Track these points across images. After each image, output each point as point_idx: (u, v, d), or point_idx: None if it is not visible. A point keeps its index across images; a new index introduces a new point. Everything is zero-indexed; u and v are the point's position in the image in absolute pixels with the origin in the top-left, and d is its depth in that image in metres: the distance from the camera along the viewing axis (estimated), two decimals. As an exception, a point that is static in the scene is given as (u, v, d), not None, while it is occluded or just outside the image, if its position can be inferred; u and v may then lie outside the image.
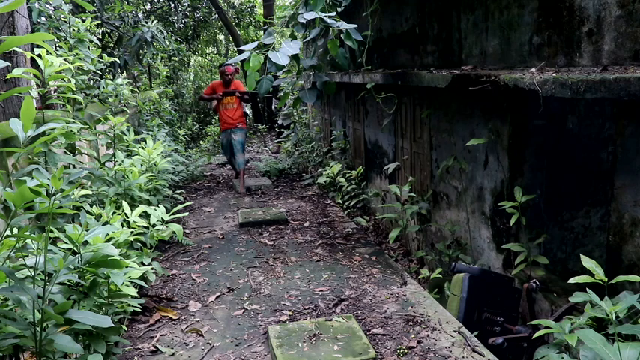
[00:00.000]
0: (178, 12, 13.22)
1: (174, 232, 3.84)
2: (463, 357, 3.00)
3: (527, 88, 2.73)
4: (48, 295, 2.15)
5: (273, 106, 13.28)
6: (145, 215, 3.89)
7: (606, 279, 2.17)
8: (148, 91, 10.69)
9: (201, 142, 13.13)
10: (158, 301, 3.93)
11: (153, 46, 8.27)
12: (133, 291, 2.89)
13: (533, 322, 2.63)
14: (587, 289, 2.21)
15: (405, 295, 3.91)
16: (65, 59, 3.77)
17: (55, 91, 4.12)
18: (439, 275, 4.12)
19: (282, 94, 9.16)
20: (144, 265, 3.53)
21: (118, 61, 7.38)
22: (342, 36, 4.68)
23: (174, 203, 6.16)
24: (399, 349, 3.11)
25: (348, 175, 6.97)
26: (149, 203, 4.52)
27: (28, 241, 2.21)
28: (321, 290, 4.09)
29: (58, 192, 2.17)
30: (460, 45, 4.03)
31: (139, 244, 3.78)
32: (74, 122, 3.62)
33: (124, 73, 9.09)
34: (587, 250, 3.48)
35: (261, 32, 15.75)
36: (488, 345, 3.13)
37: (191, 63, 17.35)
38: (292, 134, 9.98)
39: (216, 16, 14.90)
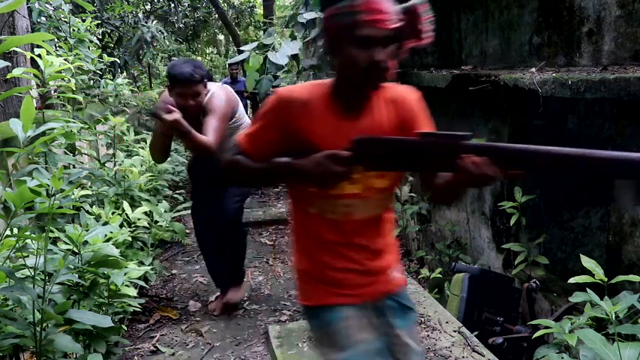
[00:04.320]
0: (178, 12, 13.21)
1: (174, 232, 3.84)
2: (463, 357, 3.00)
3: (527, 88, 2.73)
4: (48, 295, 2.15)
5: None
6: (146, 214, 3.89)
7: (606, 279, 2.17)
8: (148, 91, 10.69)
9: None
10: (158, 301, 3.93)
11: (153, 46, 8.28)
12: (133, 291, 2.88)
13: (533, 322, 2.63)
14: (587, 289, 2.20)
15: (405, 295, 3.91)
16: (65, 59, 3.76)
17: (55, 91, 4.12)
18: (439, 275, 4.12)
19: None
20: (144, 265, 3.53)
21: (118, 61, 7.39)
22: (342, 36, 4.67)
23: (174, 203, 6.16)
24: (399, 349, 3.10)
25: (348, 175, 6.95)
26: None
27: (28, 241, 2.21)
28: (321, 290, 4.09)
29: (58, 192, 2.17)
30: (460, 45, 4.03)
31: (140, 243, 3.78)
32: (74, 122, 3.62)
33: (124, 73, 9.10)
34: (587, 250, 3.48)
35: (261, 32, 15.73)
36: (488, 345, 3.12)
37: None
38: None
39: (216, 16, 14.88)
